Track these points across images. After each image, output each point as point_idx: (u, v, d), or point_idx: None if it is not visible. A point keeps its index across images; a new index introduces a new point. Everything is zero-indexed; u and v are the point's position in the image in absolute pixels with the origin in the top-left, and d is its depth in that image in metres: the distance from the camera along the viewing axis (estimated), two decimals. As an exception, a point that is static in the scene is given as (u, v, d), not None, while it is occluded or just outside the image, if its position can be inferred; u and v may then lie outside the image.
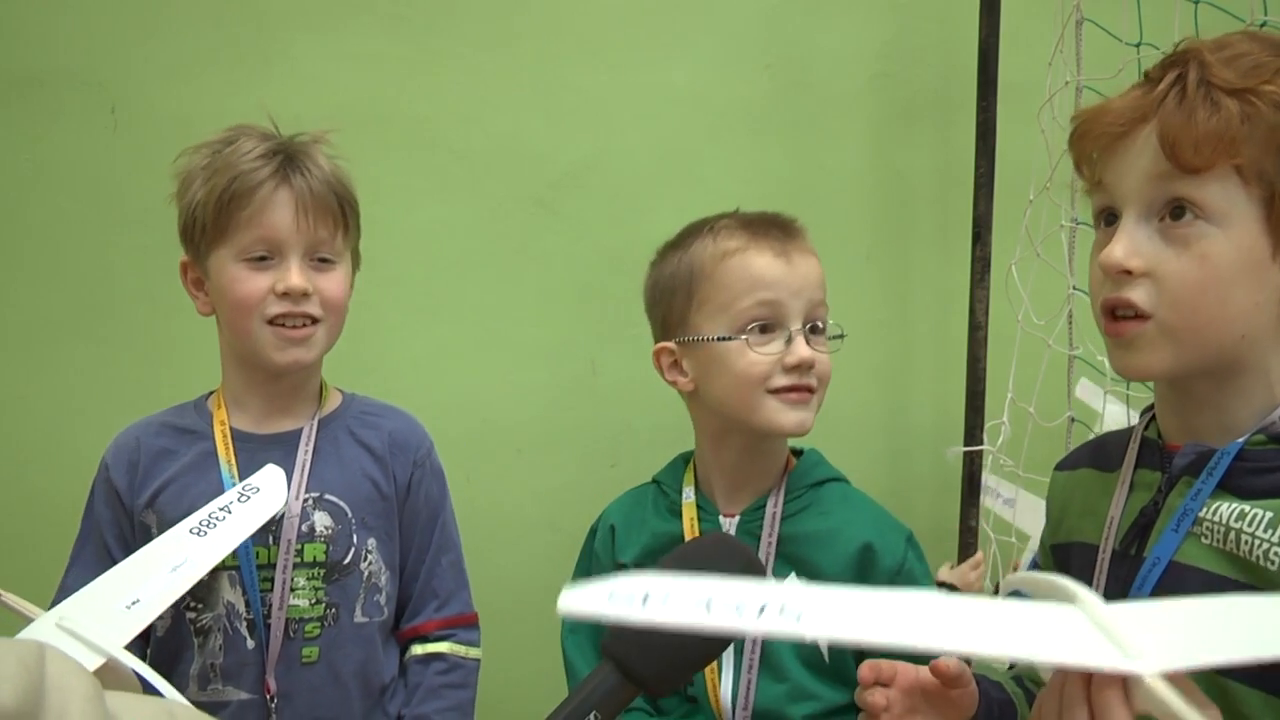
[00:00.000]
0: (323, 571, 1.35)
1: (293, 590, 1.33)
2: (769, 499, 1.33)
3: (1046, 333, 1.81)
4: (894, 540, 1.31)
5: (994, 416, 1.85)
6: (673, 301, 1.34)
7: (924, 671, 0.96)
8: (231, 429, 1.37)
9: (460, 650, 1.46)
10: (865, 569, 1.28)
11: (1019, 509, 1.81)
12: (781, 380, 1.26)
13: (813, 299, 1.29)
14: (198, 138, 1.36)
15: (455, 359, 1.94)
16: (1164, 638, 0.63)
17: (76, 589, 1.09)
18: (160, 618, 1.20)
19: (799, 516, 1.32)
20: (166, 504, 1.33)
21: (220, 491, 1.29)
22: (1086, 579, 0.95)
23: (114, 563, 1.24)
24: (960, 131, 1.90)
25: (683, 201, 1.50)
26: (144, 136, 1.83)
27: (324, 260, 1.34)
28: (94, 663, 0.96)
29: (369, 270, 1.59)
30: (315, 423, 1.39)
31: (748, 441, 1.32)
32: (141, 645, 1.32)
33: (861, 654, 1.29)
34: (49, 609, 1.05)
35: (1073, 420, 1.80)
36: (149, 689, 0.98)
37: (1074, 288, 1.78)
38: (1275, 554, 0.84)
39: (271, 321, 1.30)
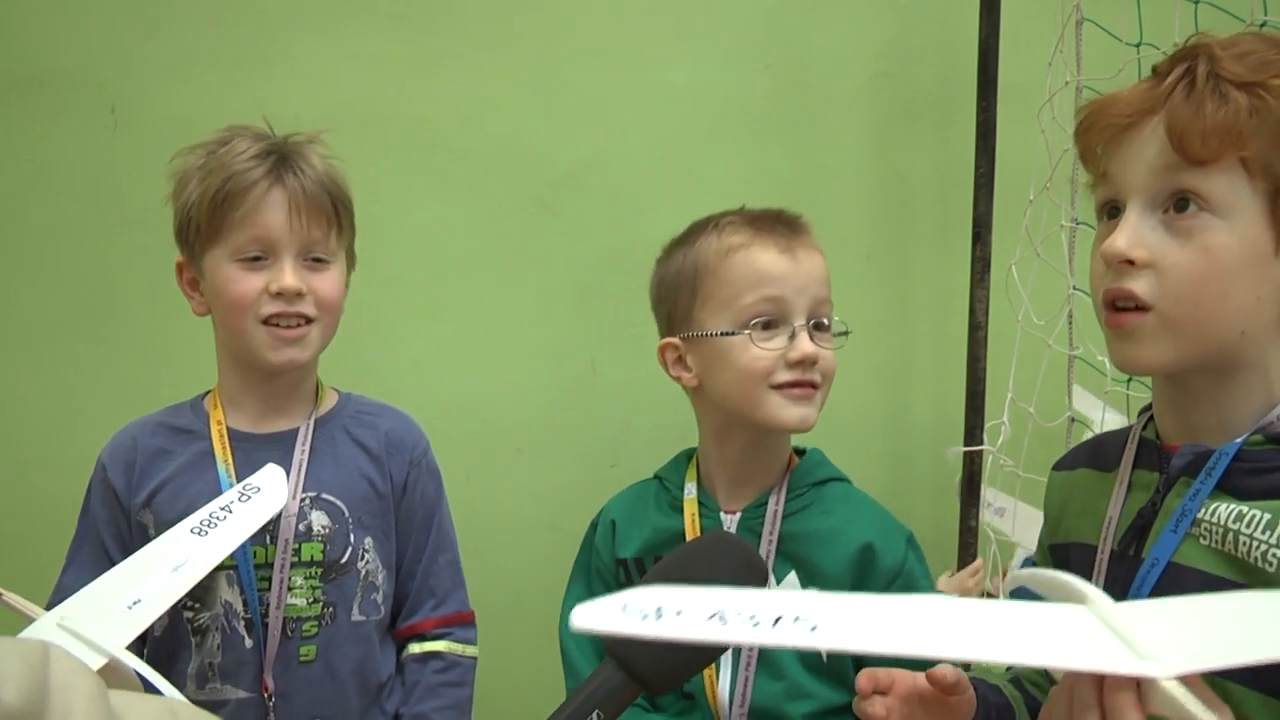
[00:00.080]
0: (320, 571, 1.35)
1: (290, 589, 1.33)
2: (771, 497, 1.33)
3: (1046, 333, 1.81)
4: (895, 541, 1.31)
5: (994, 416, 1.85)
6: (677, 297, 1.34)
7: (921, 679, 0.96)
8: (228, 429, 1.37)
9: (457, 648, 1.46)
10: (865, 569, 1.28)
11: (1018, 520, 1.81)
12: (784, 375, 1.26)
13: (817, 295, 1.29)
14: (198, 138, 1.36)
15: (455, 359, 1.94)
16: (1176, 638, 0.63)
17: (74, 589, 1.09)
18: (158, 617, 1.20)
19: (800, 515, 1.32)
20: (163, 504, 1.34)
21: (217, 491, 1.30)
22: (1085, 579, 0.95)
23: (111, 563, 1.25)
24: (960, 131, 1.90)
25: (683, 201, 1.51)
26: (144, 136, 1.83)
27: (318, 260, 1.34)
28: (96, 663, 0.96)
29: (369, 270, 1.59)
30: (312, 422, 1.40)
31: (751, 438, 1.33)
32: (139, 645, 1.32)
33: (861, 657, 1.30)
34: (47, 609, 1.05)
35: (1073, 420, 1.80)
36: (150, 689, 0.98)
37: (1074, 288, 1.78)
38: (1273, 555, 0.84)
39: (266, 321, 1.30)
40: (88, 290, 1.87)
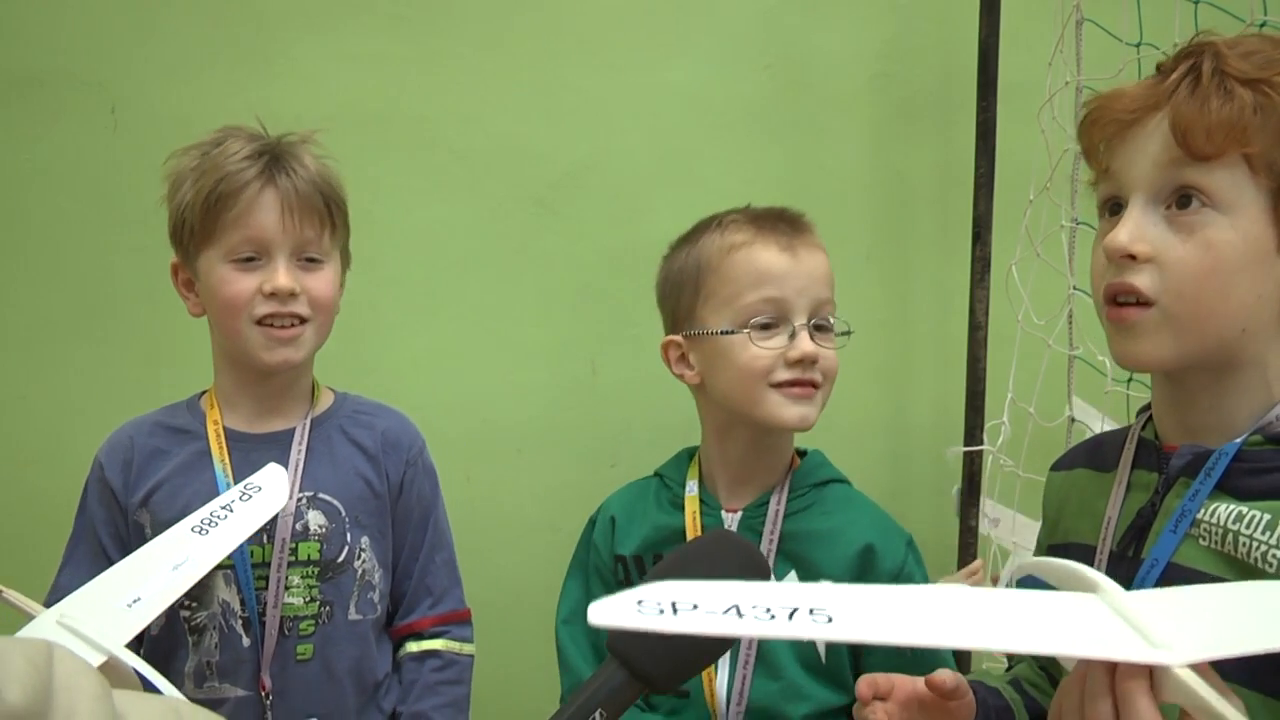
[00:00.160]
0: (317, 570, 1.36)
1: (287, 589, 1.33)
2: (772, 496, 1.33)
3: (1046, 333, 1.81)
4: (895, 543, 1.31)
5: (994, 416, 1.85)
6: (680, 295, 1.35)
7: (920, 684, 0.96)
8: (225, 429, 1.37)
9: (455, 647, 1.47)
10: (865, 570, 1.28)
11: (1016, 528, 1.82)
12: (784, 374, 1.27)
13: (818, 295, 1.29)
14: (198, 138, 1.36)
15: (455, 359, 1.94)
16: (1188, 627, 0.63)
17: (70, 588, 1.09)
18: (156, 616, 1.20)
19: (802, 515, 1.32)
20: (160, 504, 1.34)
21: (214, 491, 1.31)
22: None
23: (109, 561, 1.25)
24: (960, 131, 1.90)
25: (683, 201, 1.51)
26: (144, 136, 1.82)
27: (311, 260, 1.34)
28: (95, 660, 0.96)
29: (369, 270, 1.59)
30: (308, 422, 1.40)
31: (753, 437, 1.33)
32: (135, 644, 1.33)
33: (857, 656, 1.30)
34: (44, 608, 1.05)
35: (1073, 420, 1.80)
36: (149, 687, 0.98)
37: (1074, 288, 1.78)
38: (1274, 556, 0.84)
39: (260, 322, 1.31)
40: (88, 290, 1.87)
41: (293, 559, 1.34)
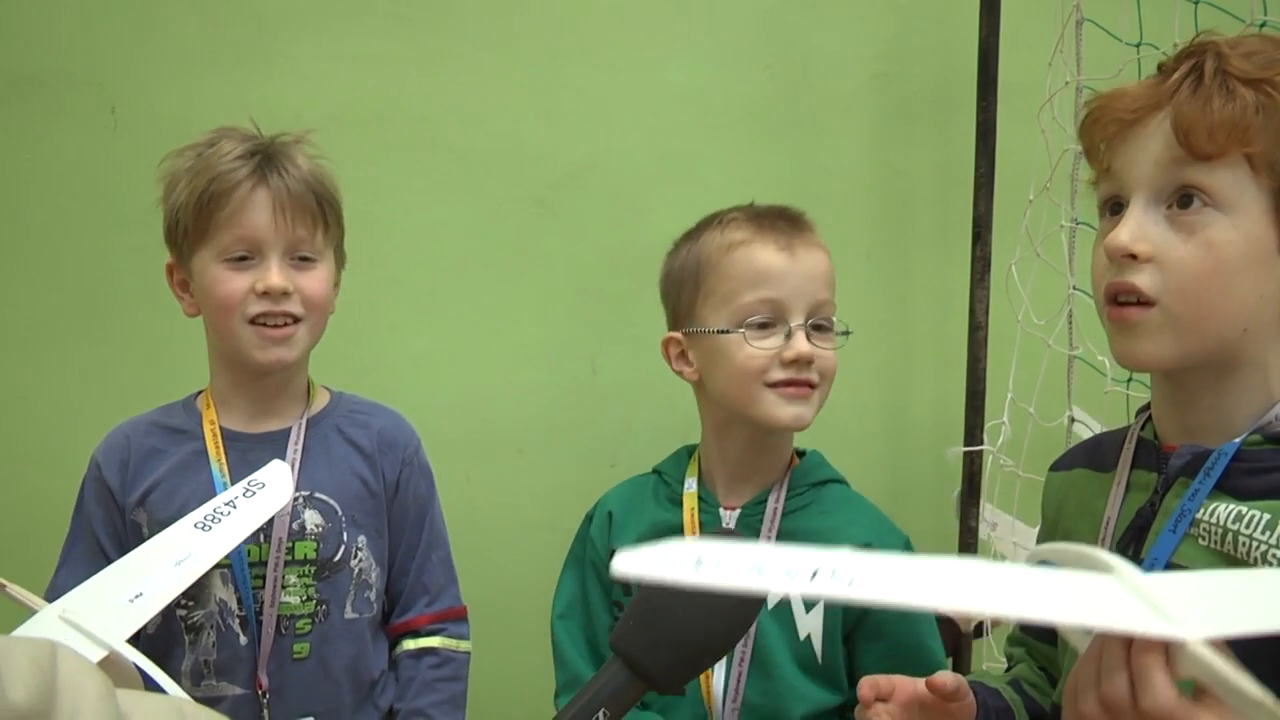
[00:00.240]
0: (313, 569, 1.36)
1: (284, 588, 1.34)
2: (771, 494, 1.33)
3: (1046, 333, 1.81)
4: (892, 544, 1.32)
5: (994, 416, 1.85)
6: (681, 292, 1.35)
7: (921, 685, 0.96)
8: (221, 428, 1.38)
9: (451, 644, 1.47)
10: None
11: (1016, 534, 1.82)
12: (780, 374, 1.27)
13: (816, 295, 1.29)
14: (196, 138, 1.36)
15: (455, 359, 1.94)
16: (1204, 606, 0.64)
17: (67, 587, 1.09)
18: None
19: (800, 514, 1.32)
20: (157, 503, 1.34)
21: (211, 491, 1.31)
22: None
23: (107, 561, 1.26)
24: (960, 131, 1.90)
25: (683, 201, 1.50)
26: (144, 136, 1.82)
27: (304, 259, 1.34)
28: (96, 655, 0.96)
29: (369, 270, 1.59)
30: (304, 422, 1.40)
31: (751, 435, 1.33)
32: (133, 643, 1.33)
33: (853, 659, 1.30)
34: (45, 608, 1.05)
35: (1073, 420, 1.80)
36: (149, 682, 0.98)
37: (1074, 288, 1.78)
38: (1273, 556, 0.84)
39: (253, 321, 1.31)
40: (87, 290, 1.87)
41: (289, 558, 1.34)
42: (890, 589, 0.61)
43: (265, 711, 1.33)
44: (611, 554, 1.39)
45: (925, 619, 1.32)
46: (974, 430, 1.86)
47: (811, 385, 1.28)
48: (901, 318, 2.02)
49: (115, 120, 1.85)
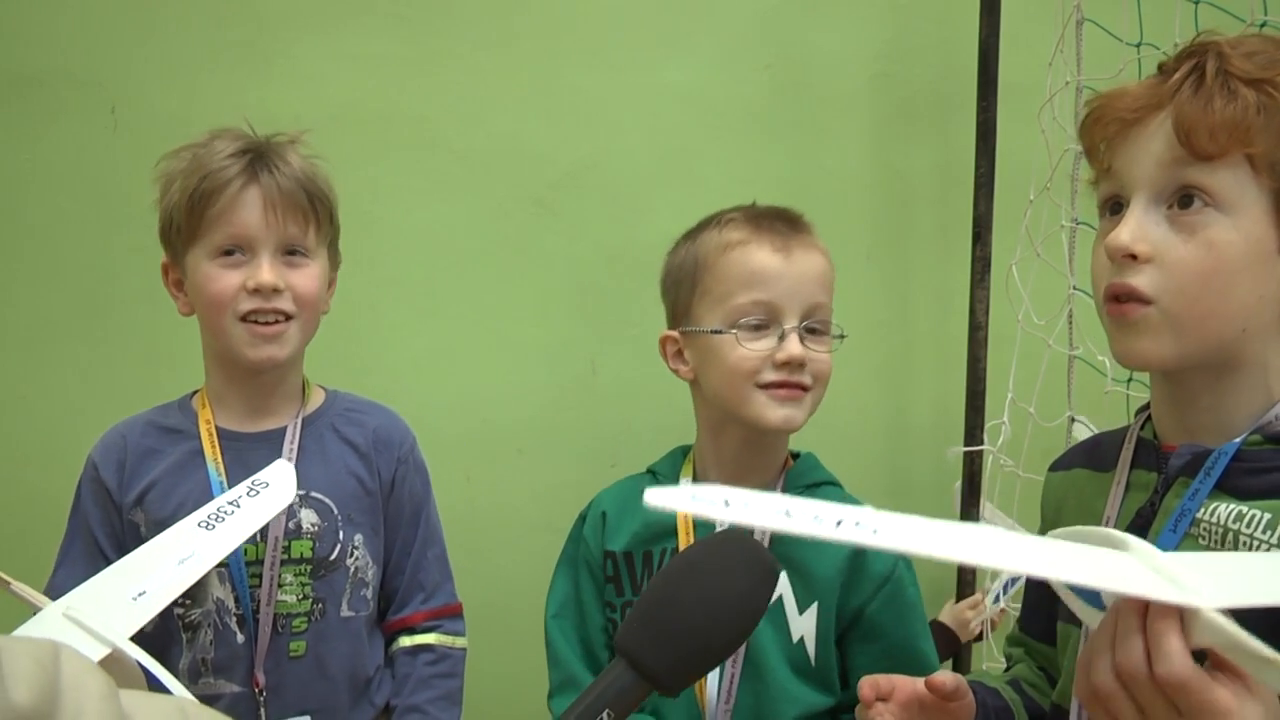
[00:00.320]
0: (309, 568, 1.36)
1: (280, 586, 1.34)
2: None
3: (1046, 333, 1.82)
4: None
5: (994, 416, 1.85)
6: (679, 290, 1.36)
7: (920, 685, 0.96)
8: (217, 428, 1.38)
9: (447, 640, 1.47)
10: (856, 572, 1.28)
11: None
12: (771, 375, 1.27)
13: (811, 298, 1.29)
14: (195, 138, 1.36)
15: (455, 359, 1.94)
16: (1218, 579, 0.65)
17: (66, 587, 1.09)
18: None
19: (794, 515, 1.32)
20: (154, 503, 1.35)
21: (207, 490, 1.32)
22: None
23: (105, 560, 1.26)
24: (960, 131, 1.90)
25: (683, 201, 1.51)
26: (144, 136, 1.82)
27: (296, 254, 1.34)
28: (99, 652, 0.96)
29: (369, 270, 1.59)
30: (299, 421, 1.40)
31: (745, 435, 1.33)
32: (133, 640, 1.33)
33: (845, 661, 1.30)
34: (46, 609, 1.05)
35: (1073, 420, 1.80)
36: (152, 680, 0.98)
37: (1074, 288, 1.78)
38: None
39: (244, 318, 1.31)
40: (87, 290, 1.87)
41: (285, 557, 1.34)
42: (914, 540, 0.63)
43: (262, 709, 1.34)
44: (605, 554, 1.39)
45: (920, 621, 1.32)
46: (974, 430, 1.86)
47: (804, 388, 1.28)
48: (901, 318, 2.02)
49: (115, 120, 1.85)
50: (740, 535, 1.24)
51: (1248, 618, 0.64)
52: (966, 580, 1.90)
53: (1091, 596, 0.74)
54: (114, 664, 0.96)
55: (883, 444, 2.03)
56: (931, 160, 2.00)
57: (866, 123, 1.99)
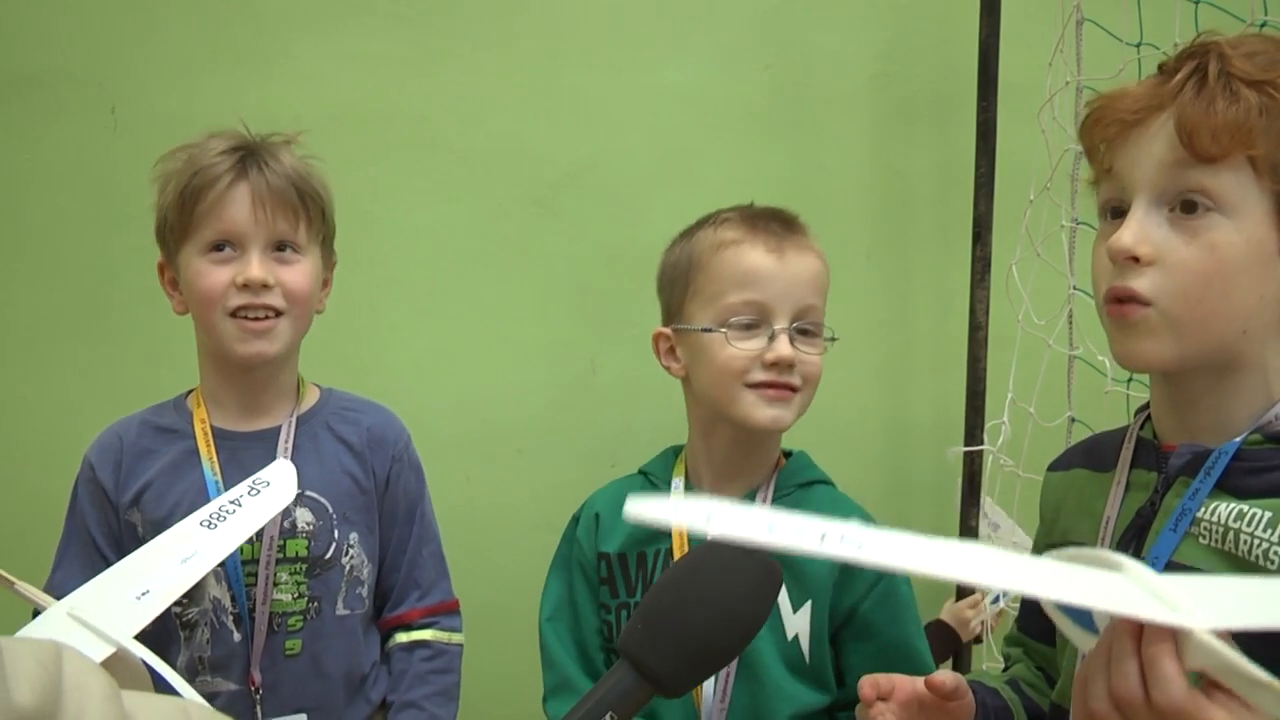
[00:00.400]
0: (305, 566, 1.36)
1: (276, 585, 1.34)
2: (757, 494, 1.33)
3: (1046, 333, 1.82)
4: None
5: (994, 416, 1.85)
6: (673, 288, 1.36)
7: (920, 684, 0.96)
8: (212, 427, 1.38)
9: (444, 637, 1.47)
10: (848, 571, 1.28)
11: (1019, 534, 1.82)
12: (760, 376, 1.27)
13: (803, 299, 1.29)
14: (191, 140, 1.37)
15: (455, 359, 1.94)
16: (1212, 601, 0.65)
17: (64, 588, 1.10)
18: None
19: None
20: (150, 503, 1.35)
21: (203, 489, 1.32)
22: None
23: (103, 560, 1.26)
24: (960, 131, 1.90)
25: (682, 201, 1.50)
26: (144, 136, 1.82)
27: (286, 250, 1.35)
28: (104, 652, 0.96)
29: (369, 270, 1.59)
30: (294, 420, 1.40)
31: (735, 434, 1.33)
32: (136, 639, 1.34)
33: (840, 659, 1.30)
34: (44, 609, 1.05)
35: (1073, 420, 1.80)
36: (157, 678, 0.99)
37: (1074, 288, 1.78)
38: (1275, 553, 0.84)
39: (234, 314, 1.31)
40: (87, 290, 1.87)
41: (281, 556, 1.35)
42: (898, 556, 0.62)
43: (258, 708, 1.34)
44: (599, 556, 1.39)
45: (913, 620, 1.32)
46: (974, 430, 1.86)
47: (793, 388, 1.28)
48: (901, 318, 2.02)
49: (115, 120, 1.85)
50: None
51: (1249, 643, 0.64)
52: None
53: (1083, 618, 0.74)
54: (118, 663, 0.97)
55: (883, 444, 2.03)
56: (931, 160, 2.00)
57: (866, 123, 1.99)
